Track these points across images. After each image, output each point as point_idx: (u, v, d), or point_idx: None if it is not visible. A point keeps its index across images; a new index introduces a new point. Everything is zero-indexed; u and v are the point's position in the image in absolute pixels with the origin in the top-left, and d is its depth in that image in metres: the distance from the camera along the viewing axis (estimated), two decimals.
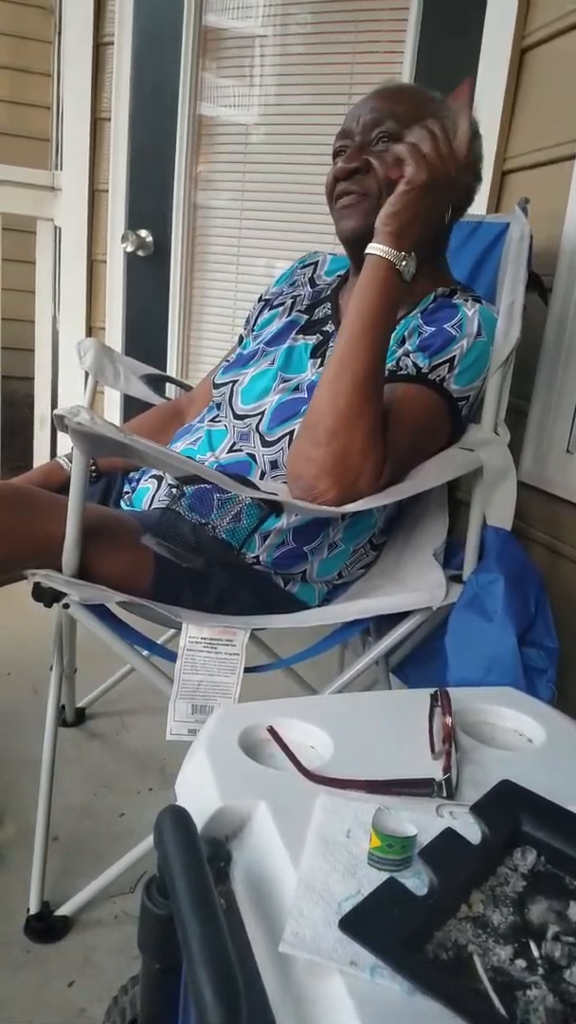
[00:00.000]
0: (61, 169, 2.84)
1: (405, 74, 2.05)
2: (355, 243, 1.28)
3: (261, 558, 1.27)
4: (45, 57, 3.54)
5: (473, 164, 1.32)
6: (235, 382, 1.40)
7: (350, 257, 1.38)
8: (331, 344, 1.35)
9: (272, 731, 0.78)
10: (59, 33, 3.11)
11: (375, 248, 1.14)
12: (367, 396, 1.11)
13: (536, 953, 0.53)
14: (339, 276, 1.48)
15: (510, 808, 0.65)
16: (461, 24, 1.88)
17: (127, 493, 1.45)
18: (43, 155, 3.50)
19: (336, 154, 1.31)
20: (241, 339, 1.56)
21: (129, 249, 2.62)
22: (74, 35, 2.69)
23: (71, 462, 1.14)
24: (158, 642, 1.35)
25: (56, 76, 3.31)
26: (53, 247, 2.97)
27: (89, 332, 2.84)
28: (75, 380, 2.81)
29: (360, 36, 2.20)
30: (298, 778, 0.71)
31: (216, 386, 1.45)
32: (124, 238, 2.60)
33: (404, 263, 1.13)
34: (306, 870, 0.60)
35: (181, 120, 2.48)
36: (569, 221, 1.51)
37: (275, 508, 1.19)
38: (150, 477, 1.40)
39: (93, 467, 1.50)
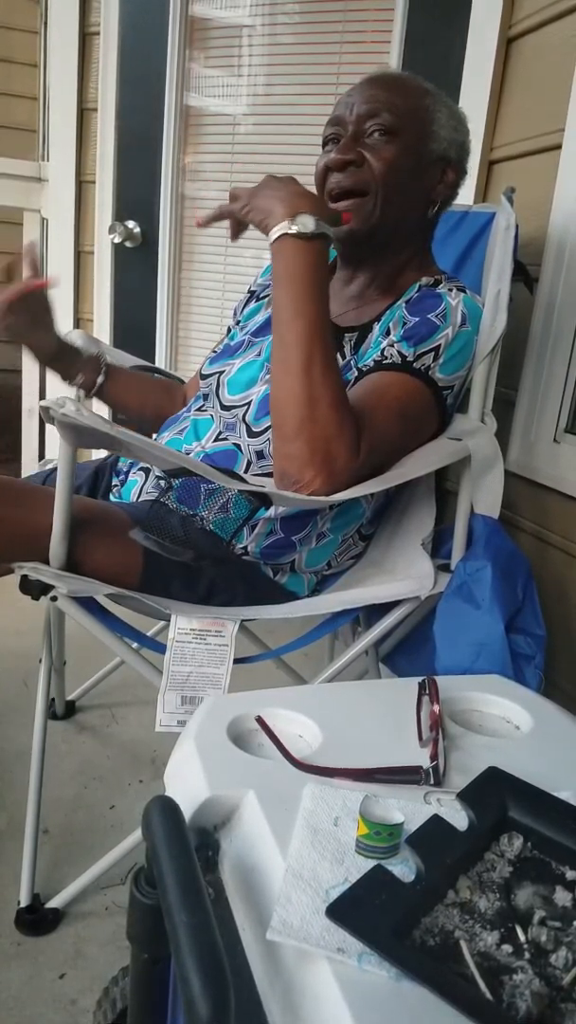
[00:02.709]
0: (48, 160, 2.82)
1: (393, 63, 2.05)
2: (351, 243, 1.30)
3: (250, 548, 1.27)
4: (31, 47, 3.51)
5: (459, 159, 1.31)
6: (222, 372, 1.40)
7: (337, 251, 1.37)
8: None
9: (260, 721, 0.78)
10: (45, 23, 3.09)
11: (271, 237, 1.11)
12: (319, 375, 1.09)
13: (522, 938, 0.54)
14: None
15: (497, 794, 0.65)
16: (448, 13, 1.87)
17: (115, 486, 1.45)
18: (30, 146, 3.48)
19: (326, 141, 1.29)
20: (229, 330, 1.56)
21: (117, 240, 2.60)
22: (60, 25, 2.67)
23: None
24: (147, 634, 1.35)
25: (42, 66, 3.29)
26: (40, 238, 2.96)
27: (77, 324, 2.82)
28: None
29: (348, 26, 2.19)
30: (286, 767, 0.71)
31: (203, 376, 1.44)
32: (112, 229, 2.59)
33: (294, 226, 1.09)
34: (294, 858, 0.60)
35: (168, 110, 2.46)
36: (555, 210, 1.51)
37: (264, 502, 1.19)
38: (138, 469, 1.40)
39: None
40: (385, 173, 1.22)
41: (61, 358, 1.46)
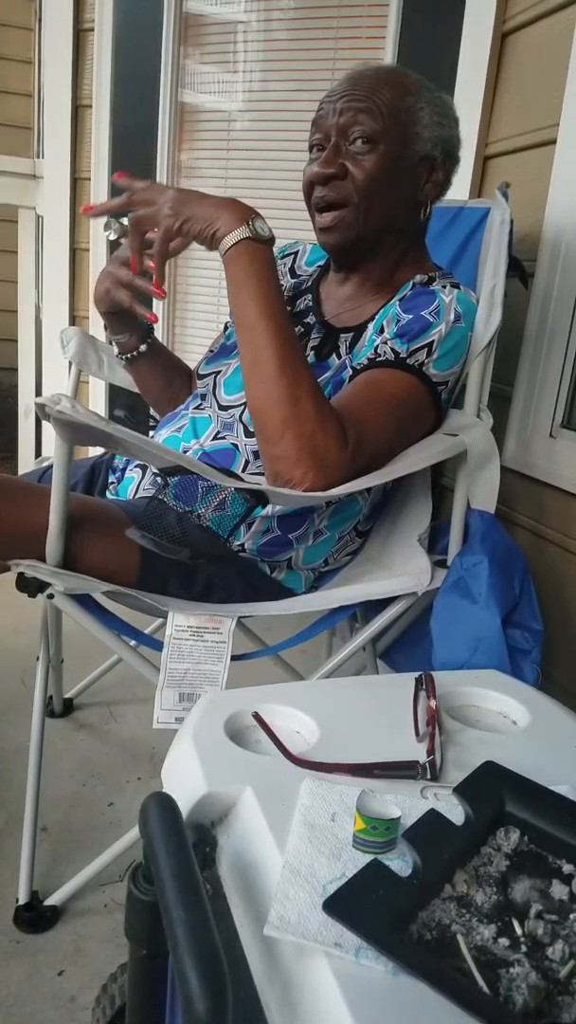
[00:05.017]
0: (43, 157, 2.82)
1: (387, 58, 2.04)
2: (339, 250, 1.30)
3: (247, 546, 1.27)
4: (26, 44, 3.51)
5: (447, 155, 1.30)
6: (218, 373, 1.39)
7: (331, 256, 1.38)
8: (313, 336, 1.35)
9: (258, 717, 0.78)
10: (39, 20, 3.08)
11: (223, 247, 1.13)
12: (294, 373, 1.10)
13: (519, 931, 0.54)
14: (319, 267, 1.48)
15: (493, 789, 0.65)
16: (442, 8, 1.87)
17: (112, 483, 1.45)
18: (25, 143, 3.48)
19: (312, 147, 1.29)
20: (226, 327, 1.56)
21: (112, 237, 2.58)
22: (54, 21, 2.67)
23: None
24: (145, 631, 1.35)
25: (37, 63, 3.29)
26: (35, 236, 2.95)
27: (72, 321, 2.82)
28: (59, 369, 2.79)
29: (343, 22, 2.19)
30: (284, 763, 0.71)
31: (200, 376, 1.44)
32: (107, 226, 2.56)
33: (250, 229, 1.12)
34: (292, 854, 0.60)
35: (163, 107, 2.46)
36: (551, 206, 1.51)
37: (261, 500, 1.19)
38: (135, 466, 1.40)
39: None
40: (367, 184, 1.22)
41: (122, 311, 1.44)
